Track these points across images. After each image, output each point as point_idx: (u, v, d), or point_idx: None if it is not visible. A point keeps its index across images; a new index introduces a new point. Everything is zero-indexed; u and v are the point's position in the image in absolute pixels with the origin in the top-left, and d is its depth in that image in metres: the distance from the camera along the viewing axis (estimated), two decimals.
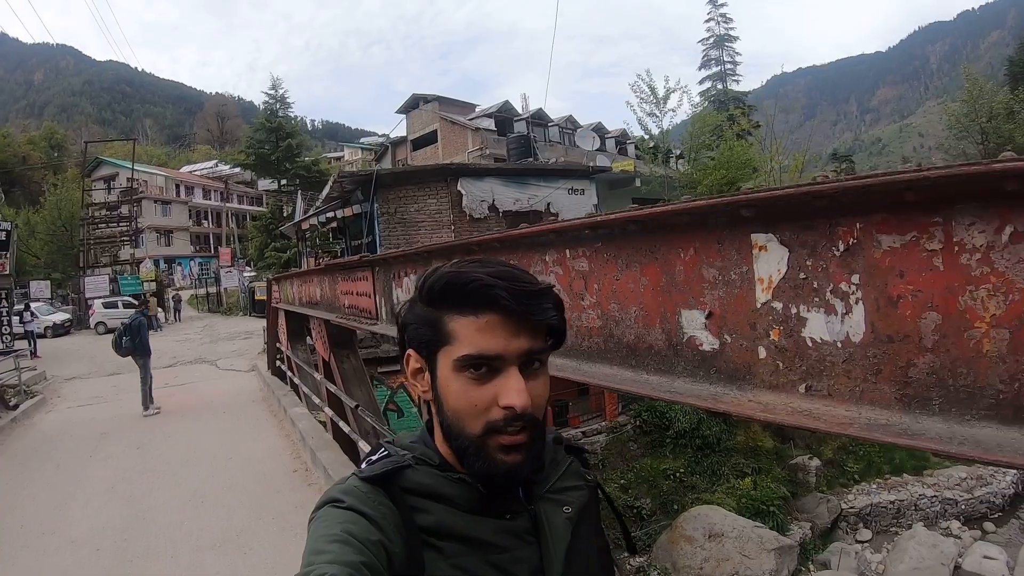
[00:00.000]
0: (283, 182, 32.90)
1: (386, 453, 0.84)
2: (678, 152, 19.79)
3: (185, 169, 65.93)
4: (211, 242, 54.88)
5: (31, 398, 10.89)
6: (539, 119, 31.24)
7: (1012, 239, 0.90)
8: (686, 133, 19.50)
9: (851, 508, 13.38)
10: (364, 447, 5.01)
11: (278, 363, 10.19)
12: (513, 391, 0.75)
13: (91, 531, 5.08)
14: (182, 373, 13.52)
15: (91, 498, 5.89)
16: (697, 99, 25.78)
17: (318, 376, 6.70)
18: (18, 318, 17.40)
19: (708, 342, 1.39)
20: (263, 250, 30.69)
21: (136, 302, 24.87)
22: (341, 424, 5.55)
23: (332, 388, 5.84)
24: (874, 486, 14.06)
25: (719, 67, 42.66)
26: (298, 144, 33.24)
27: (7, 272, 16.77)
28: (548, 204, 15.03)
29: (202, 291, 36.80)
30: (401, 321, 0.85)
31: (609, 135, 33.32)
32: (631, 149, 30.66)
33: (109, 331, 23.78)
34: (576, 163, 19.51)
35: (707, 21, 43.66)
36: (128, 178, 36.24)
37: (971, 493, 13.07)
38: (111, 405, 10.40)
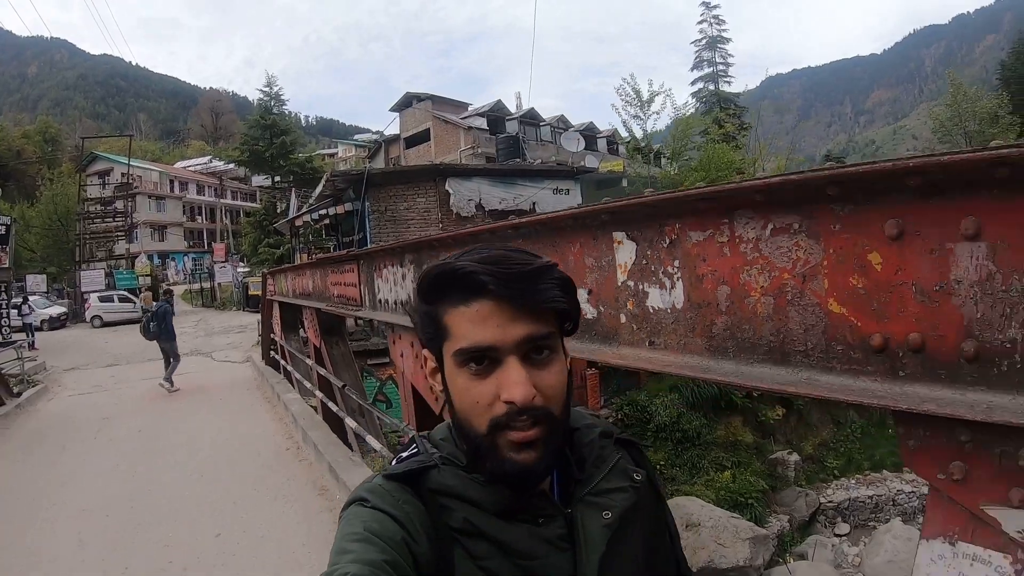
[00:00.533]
0: (277, 178, 33.30)
1: (416, 451, 0.81)
2: (667, 153, 20.27)
3: (179, 164, 66.03)
4: (205, 238, 54.99)
5: (33, 387, 11.29)
6: (531, 118, 31.71)
7: (772, 233, 1.40)
8: (669, 136, 20.05)
9: (830, 502, 13.61)
10: (351, 423, 5.52)
11: (272, 353, 10.66)
12: (512, 384, 0.70)
13: (100, 501, 5.55)
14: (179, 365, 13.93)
15: (98, 475, 6.35)
16: (687, 100, 26.22)
17: (310, 362, 7.20)
18: (16, 311, 17.76)
19: (590, 312, 1.90)
20: (257, 246, 31.10)
21: (133, 296, 25.26)
22: (330, 404, 6.05)
23: (322, 372, 6.35)
24: (853, 481, 14.26)
25: (711, 68, 43.18)
26: (292, 141, 33.66)
27: (6, 266, 17.12)
28: (534, 204, 15.54)
29: (196, 286, 37.08)
30: (414, 321, 0.83)
31: (601, 135, 33.78)
32: (622, 149, 31.17)
33: (105, 324, 24.22)
34: (562, 164, 20.01)
35: (700, 23, 44.12)
36: (123, 173, 36.56)
37: None
38: (111, 393, 10.84)
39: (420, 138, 31.91)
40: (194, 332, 20.54)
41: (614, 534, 0.77)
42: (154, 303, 11.57)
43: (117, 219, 31.99)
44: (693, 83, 42.76)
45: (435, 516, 0.74)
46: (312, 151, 51.10)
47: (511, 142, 20.83)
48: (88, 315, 25.02)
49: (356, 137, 60.43)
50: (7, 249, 17.10)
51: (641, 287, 1.71)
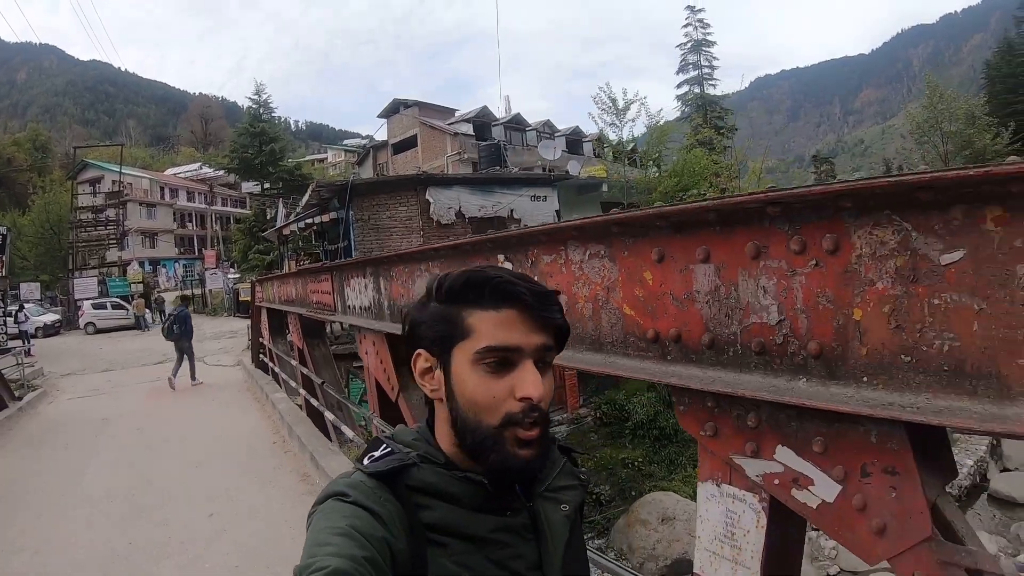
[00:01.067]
0: (266, 185, 33.71)
1: (389, 450, 0.83)
2: (653, 158, 20.87)
3: (169, 171, 66.15)
4: (195, 244, 55.27)
5: (32, 391, 11.78)
6: (517, 123, 32.20)
7: (589, 257, 2.03)
8: (645, 143, 20.79)
9: None
10: (330, 417, 6.15)
11: (261, 357, 11.29)
12: (530, 383, 0.78)
13: (104, 491, 6.13)
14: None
15: (100, 468, 6.93)
16: (673, 104, 26.87)
17: (294, 363, 7.84)
18: (12, 319, 18.22)
19: None
20: (247, 252, 31.52)
21: (126, 303, 25.67)
22: (312, 400, 6.69)
23: (305, 371, 6.99)
24: None
25: (697, 71, 43.81)
26: (281, 148, 34.09)
27: (3, 274, 17.58)
28: (511, 211, 16.20)
29: (187, 292, 37.50)
30: (411, 321, 0.87)
31: (587, 139, 34.30)
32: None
33: (99, 331, 24.71)
34: (541, 171, 20.64)
35: (685, 26, 44.74)
36: (114, 180, 36.98)
37: None
38: (109, 396, 11.39)
39: (407, 144, 32.39)
40: None
41: (572, 525, 0.87)
42: (173, 308, 12.91)
43: (109, 227, 32.45)
44: (679, 86, 43.38)
45: (411, 514, 0.76)
46: (302, 156, 51.57)
47: (492, 150, 21.48)
48: (82, 322, 25.52)
49: (345, 142, 60.82)
50: (3, 258, 17.56)
51: None
